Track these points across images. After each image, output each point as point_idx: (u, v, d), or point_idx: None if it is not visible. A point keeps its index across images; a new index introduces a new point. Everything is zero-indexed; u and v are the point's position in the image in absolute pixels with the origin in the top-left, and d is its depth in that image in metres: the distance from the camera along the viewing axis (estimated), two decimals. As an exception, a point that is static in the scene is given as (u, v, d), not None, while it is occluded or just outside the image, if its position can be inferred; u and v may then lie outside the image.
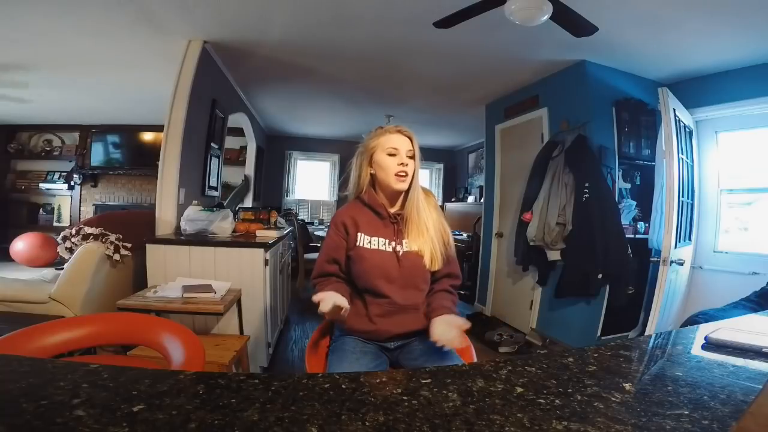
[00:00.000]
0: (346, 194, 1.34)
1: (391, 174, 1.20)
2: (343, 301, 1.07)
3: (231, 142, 5.30)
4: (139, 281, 2.34)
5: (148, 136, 5.50)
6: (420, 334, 1.24)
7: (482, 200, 4.38)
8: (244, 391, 0.50)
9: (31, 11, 2.39)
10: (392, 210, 1.26)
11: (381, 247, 1.21)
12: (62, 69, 3.42)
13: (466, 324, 1.11)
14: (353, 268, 1.22)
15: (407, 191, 1.23)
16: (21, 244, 4.55)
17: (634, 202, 2.87)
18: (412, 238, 1.22)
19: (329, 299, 1.05)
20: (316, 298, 1.07)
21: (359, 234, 1.22)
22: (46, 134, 5.62)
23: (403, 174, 1.20)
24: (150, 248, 2.23)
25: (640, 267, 2.78)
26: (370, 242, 1.21)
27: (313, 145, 6.66)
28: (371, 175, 1.26)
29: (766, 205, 2.72)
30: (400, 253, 1.21)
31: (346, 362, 1.11)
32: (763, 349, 0.70)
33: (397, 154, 1.20)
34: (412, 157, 1.23)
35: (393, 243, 1.22)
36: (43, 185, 5.54)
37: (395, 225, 1.24)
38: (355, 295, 1.25)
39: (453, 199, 6.57)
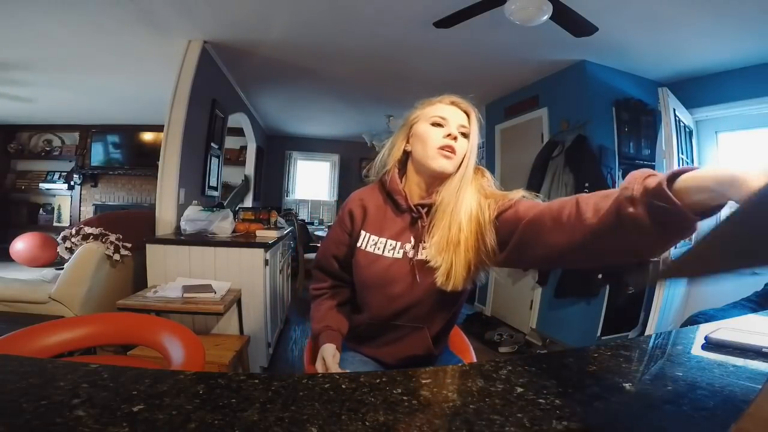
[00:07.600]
0: (371, 178, 1.04)
1: (432, 147, 0.86)
2: (334, 363, 0.89)
3: (231, 142, 5.30)
4: (139, 281, 2.33)
5: (148, 136, 5.50)
6: (425, 358, 0.97)
7: (482, 200, 4.36)
8: (244, 391, 0.50)
9: (31, 10, 2.39)
10: (417, 201, 0.92)
11: (386, 253, 0.91)
12: (62, 69, 3.41)
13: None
14: (353, 273, 0.98)
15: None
16: (21, 244, 4.55)
17: (634, 202, 2.86)
18: (435, 242, 0.85)
19: (328, 359, 0.89)
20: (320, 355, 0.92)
21: (362, 232, 0.95)
22: (46, 134, 5.61)
23: (449, 149, 0.86)
24: (150, 248, 2.23)
25: (640, 267, 2.78)
26: (375, 244, 0.92)
27: (313, 145, 6.65)
28: (406, 152, 0.94)
29: (766, 205, 2.71)
30: (415, 260, 0.89)
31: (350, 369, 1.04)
32: (763, 349, 0.70)
33: (445, 125, 0.88)
34: (466, 136, 0.90)
35: (407, 246, 0.90)
36: (43, 185, 5.53)
37: (418, 220, 0.91)
38: (356, 309, 1.03)
39: (453, 199, 6.55)
